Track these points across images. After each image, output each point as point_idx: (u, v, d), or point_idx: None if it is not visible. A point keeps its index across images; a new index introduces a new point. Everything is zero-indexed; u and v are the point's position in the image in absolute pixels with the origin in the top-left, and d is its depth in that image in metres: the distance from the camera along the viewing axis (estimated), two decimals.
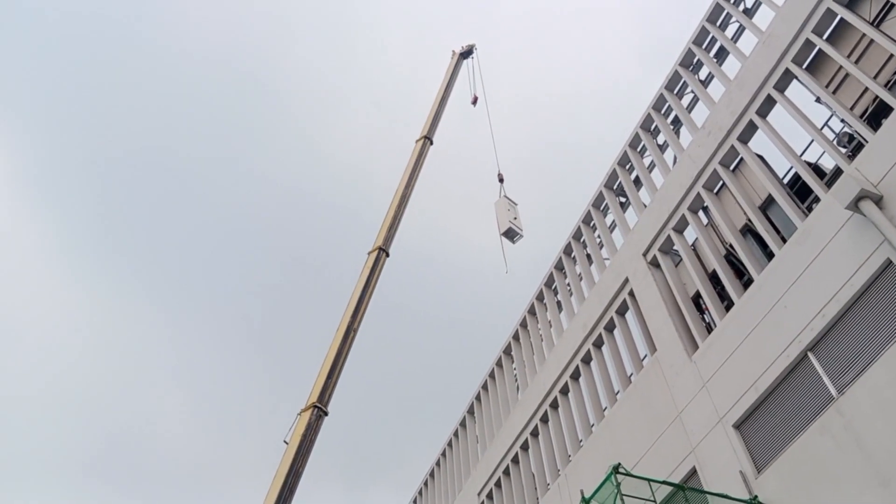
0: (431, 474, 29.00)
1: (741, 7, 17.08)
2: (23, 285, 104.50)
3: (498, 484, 22.40)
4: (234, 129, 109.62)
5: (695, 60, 18.22)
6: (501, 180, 32.58)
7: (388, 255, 24.74)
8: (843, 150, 14.48)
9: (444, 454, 28.18)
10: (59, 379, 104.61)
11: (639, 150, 20.02)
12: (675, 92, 18.84)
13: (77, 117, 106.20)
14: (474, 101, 37.64)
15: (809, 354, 11.78)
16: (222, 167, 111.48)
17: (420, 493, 29.80)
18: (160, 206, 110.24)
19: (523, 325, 24.24)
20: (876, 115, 13.66)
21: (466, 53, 38.14)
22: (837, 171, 13.87)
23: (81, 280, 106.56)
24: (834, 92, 14.31)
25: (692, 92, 18.27)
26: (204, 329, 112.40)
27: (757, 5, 16.64)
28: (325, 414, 20.16)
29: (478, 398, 26.14)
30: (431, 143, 30.74)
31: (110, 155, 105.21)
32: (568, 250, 22.48)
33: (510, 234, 26.79)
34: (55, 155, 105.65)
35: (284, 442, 19.62)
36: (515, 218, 27.29)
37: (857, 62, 13.71)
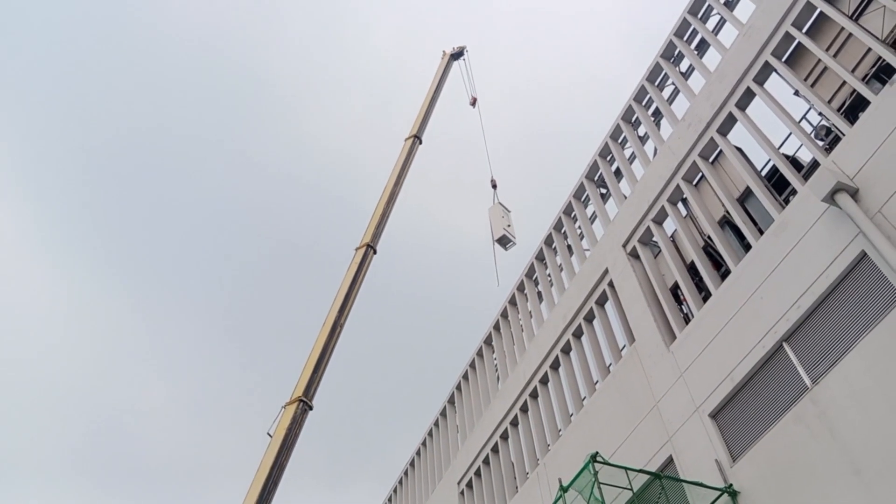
0: (412, 464, 29.07)
1: None
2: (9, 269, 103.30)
3: (478, 473, 22.51)
4: (219, 114, 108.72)
5: (676, 52, 18.29)
6: (494, 186, 32.82)
7: (375, 252, 24.86)
8: (821, 143, 14.63)
9: (424, 444, 28.26)
10: (37, 369, 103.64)
11: (620, 141, 20.10)
12: (657, 84, 18.91)
13: (56, 101, 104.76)
14: (473, 103, 37.85)
15: (785, 345, 11.92)
16: (207, 154, 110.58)
17: (400, 482, 29.88)
18: (141, 193, 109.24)
19: (504, 315, 24.31)
20: (853, 109, 13.80)
21: (457, 55, 38.30)
22: (815, 164, 14.02)
23: (58, 268, 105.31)
24: (812, 85, 14.44)
25: (673, 84, 18.35)
26: (184, 318, 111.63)
27: None
28: (310, 408, 20.16)
29: (458, 388, 26.22)
30: (420, 143, 30.97)
31: (91, 141, 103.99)
32: (549, 241, 22.56)
33: (503, 241, 26.96)
34: (34, 141, 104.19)
35: (268, 434, 19.55)
36: (509, 225, 27.44)
37: (835, 56, 13.83)
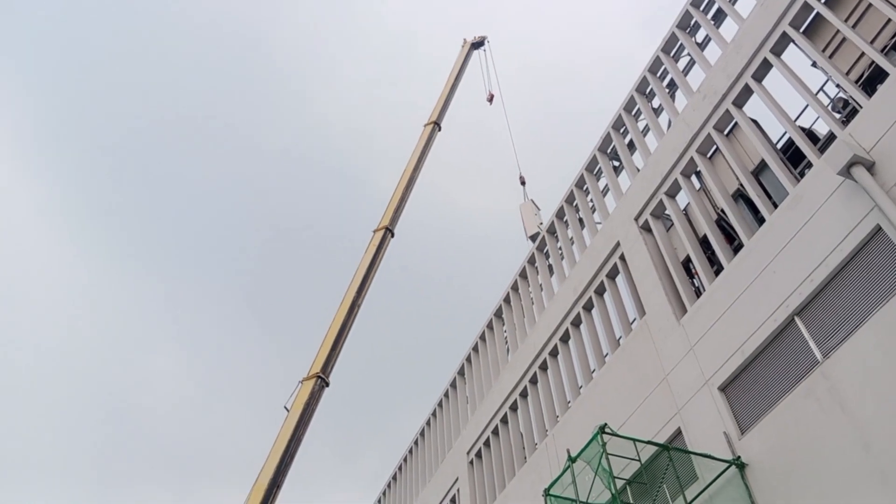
0: (422, 434, 29.38)
1: None
2: (16, 249, 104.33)
3: (487, 443, 22.72)
4: (230, 95, 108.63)
5: (692, 23, 18.00)
6: (523, 183, 33.16)
7: (393, 235, 25.30)
8: (838, 116, 14.42)
9: (434, 415, 28.52)
10: (57, 346, 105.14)
11: (633, 113, 19.90)
12: (672, 55, 18.65)
13: (70, 80, 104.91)
14: (490, 99, 37.77)
15: (796, 319, 11.88)
16: (220, 135, 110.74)
17: (410, 451, 30.23)
18: (155, 176, 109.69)
19: (514, 288, 24.34)
20: (871, 81, 13.58)
21: (478, 44, 38.15)
22: (831, 137, 13.84)
23: (76, 245, 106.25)
24: (830, 56, 14.19)
25: (689, 55, 18.08)
26: (201, 298, 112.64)
27: None
28: (327, 385, 20.57)
29: (468, 360, 26.37)
30: (440, 129, 31.37)
31: (106, 119, 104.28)
32: (560, 214, 22.48)
33: (535, 238, 27.10)
34: (51, 119, 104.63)
35: (285, 408, 19.95)
36: (541, 223, 27.46)
37: (854, 26, 13.57)
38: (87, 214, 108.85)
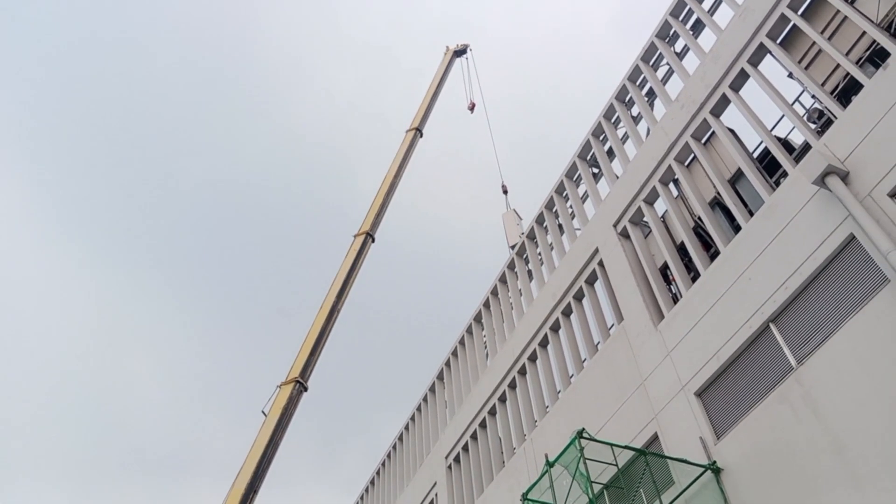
0: (400, 439, 29.31)
1: None
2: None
3: (465, 448, 22.73)
4: (214, 95, 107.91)
5: (671, 32, 18.22)
6: (506, 192, 33.39)
7: (373, 240, 25.37)
8: (813, 126, 14.68)
9: (412, 419, 28.47)
10: (38, 348, 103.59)
11: (613, 121, 20.08)
12: (651, 63, 18.86)
13: (55, 83, 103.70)
14: (471, 108, 37.96)
15: (771, 325, 12.05)
16: (203, 135, 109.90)
17: (388, 456, 30.15)
18: (131, 180, 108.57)
19: (494, 293, 24.41)
20: (846, 92, 13.84)
21: (460, 52, 38.39)
22: (806, 147, 14.07)
23: (55, 247, 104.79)
24: (806, 68, 14.45)
25: (667, 64, 18.30)
26: (176, 303, 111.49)
27: None
28: (305, 389, 20.47)
29: (447, 364, 26.37)
30: (421, 135, 31.50)
31: (79, 133, 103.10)
32: (540, 220, 22.60)
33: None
34: (25, 120, 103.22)
35: (263, 413, 19.81)
36: (523, 233, 27.68)
37: (830, 38, 13.83)
38: (64, 216, 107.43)
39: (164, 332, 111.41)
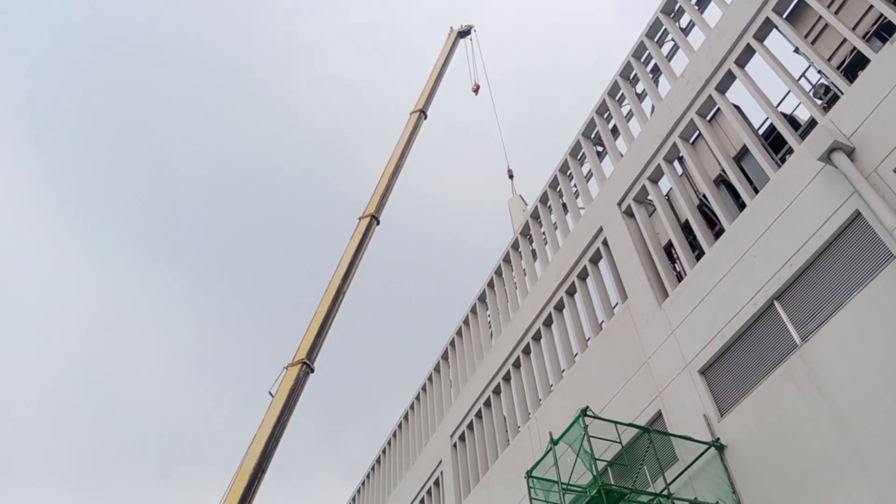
0: (406, 417, 29.48)
1: None
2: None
3: (470, 426, 22.85)
4: (216, 79, 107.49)
5: (676, 7, 17.99)
6: (511, 176, 33.27)
7: (378, 222, 25.41)
8: (819, 102, 14.51)
9: (417, 398, 28.62)
10: (40, 336, 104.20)
11: (617, 98, 19.92)
12: (656, 40, 18.65)
13: (55, 62, 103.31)
14: (476, 90, 37.83)
15: (776, 303, 12.02)
16: (204, 118, 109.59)
17: (394, 435, 30.34)
18: (135, 155, 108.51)
19: (498, 273, 24.40)
20: (853, 67, 13.67)
21: (464, 33, 38.15)
22: (812, 123, 13.95)
23: (57, 236, 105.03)
24: (813, 42, 14.27)
25: (672, 40, 18.10)
26: (184, 279, 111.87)
27: None
28: (312, 371, 20.62)
29: (452, 344, 26.44)
30: (426, 117, 31.37)
31: (87, 108, 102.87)
32: (544, 199, 22.52)
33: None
34: (31, 110, 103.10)
35: (270, 394, 19.98)
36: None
37: (836, 12, 13.64)
38: (64, 204, 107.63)
39: (170, 317, 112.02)
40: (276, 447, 18.93)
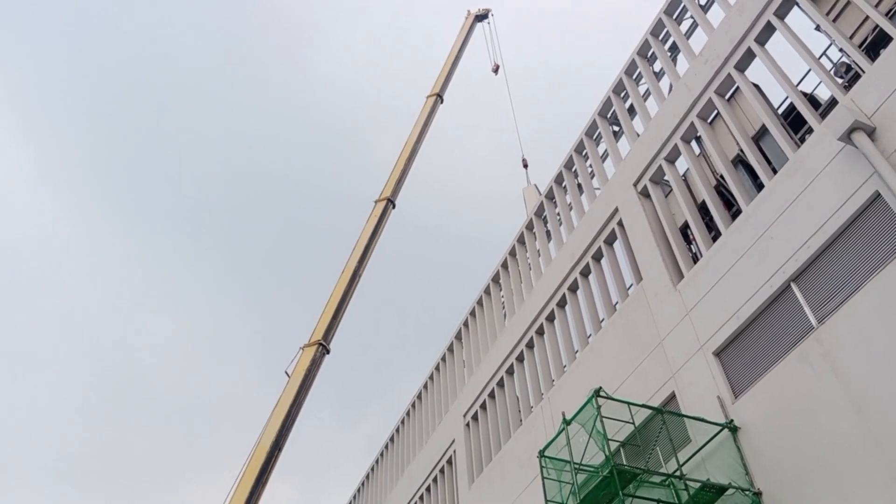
0: (419, 397, 29.64)
1: None
2: (16, 214, 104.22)
3: (483, 406, 22.94)
4: (228, 49, 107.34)
5: None
6: (526, 166, 33.23)
7: (394, 206, 25.54)
8: (840, 81, 14.27)
9: (431, 378, 28.74)
10: (55, 309, 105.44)
11: (634, 77, 19.67)
12: (675, 17, 18.37)
13: (61, 31, 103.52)
14: (495, 70, 37.81)
15: (792, 285, 11.90)
16: (216, 90, 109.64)
17: (407, 413, 30.54)
18: (149, 128, 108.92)
19: (512, 253, 24.34)
20: (875, 46, 13.41)
21: (482, 17, 38.08)
22: (833, 102, 13.72)
23: (74, 208, 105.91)
24: (834, 20, 13.98)
25: (691, 17, 17.82)
26: (201, 256, 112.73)
27: None
28: (328, 352, 20.83)
29: (465, 324, 26.48)
30: (442, 101, 31.39)
31: (97, 73, 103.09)
32: (559, 179, 22.38)
33: None
34: (47, 72, 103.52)
35: (286, 374, 20.22)
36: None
37: None
38: (83, 181, 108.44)
39: (184, 293, 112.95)
40: (293, 425, 19.16)
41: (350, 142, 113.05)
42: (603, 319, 18.17)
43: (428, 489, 25.63)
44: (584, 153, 21.46)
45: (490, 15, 38.85)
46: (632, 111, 19.67)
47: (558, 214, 22.20)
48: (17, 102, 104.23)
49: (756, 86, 15.02)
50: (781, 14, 14.27)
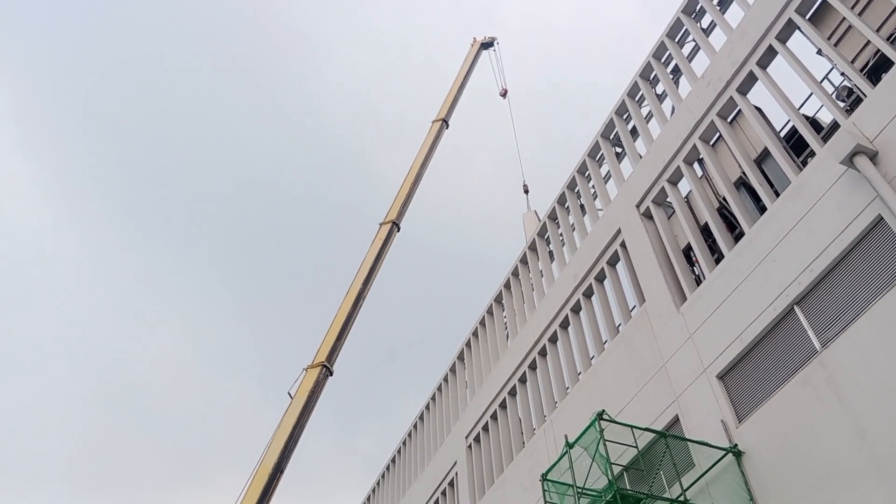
0: (421, 418, 29.50)
1: None
2: (17, 231, 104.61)
3: (486, 428, 22.81)
4: (234, 76, 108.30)
5: (697, 7, 17.83)
6: (527, 191, 33.53)
7: (399, 229, 25.66)
8: (842, 105, 14.32)
9: (433, 399, 28.62)
10: (56, 324, 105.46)
11: (637, 99, 19.78)
12: (677, 40, 18.50)
13: (65, 36, 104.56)
14: (504, 94, 38.48)
15: (796, 308, 11.87)
16: (222, 114, 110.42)
17: (409, 435, 30.37)
18: (151, 140, 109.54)
19: (515, 274, 24.33)
20: (876, 70, 13.47)
21: (487, 44, 38.80)
22: (835, 126, 13.76)
23: (75, 225, 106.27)
24: (836, 44, 14.07)
25: (693, 41, 17.95)
26: (203, 275, 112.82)
27: None
28: (331, 374, 20.82)
29: (468, 345, 26.42)
30: (447, 127, 31.66)
31: (99, 86, 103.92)
32: (562, 200, 22.42)
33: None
34: (49, 82, 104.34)
35: (289, 395, 20.17)
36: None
37: (860, 14, 13.45)
38: (86, 193, 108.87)
39: (186, 312, 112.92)
40: (295, 447, 19.07)
41: (353, 154, 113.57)
42: (606, 341, 18.11)
43: None
44: (586, 174, 21.52)
45: (496, 43, 39.43)
46: (634, 133, 19.75)
47: (561, 235, 22.22)
48: (18, 111, 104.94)
49: (758, 108, 15.08)
50: (783, 38, 14.37)
